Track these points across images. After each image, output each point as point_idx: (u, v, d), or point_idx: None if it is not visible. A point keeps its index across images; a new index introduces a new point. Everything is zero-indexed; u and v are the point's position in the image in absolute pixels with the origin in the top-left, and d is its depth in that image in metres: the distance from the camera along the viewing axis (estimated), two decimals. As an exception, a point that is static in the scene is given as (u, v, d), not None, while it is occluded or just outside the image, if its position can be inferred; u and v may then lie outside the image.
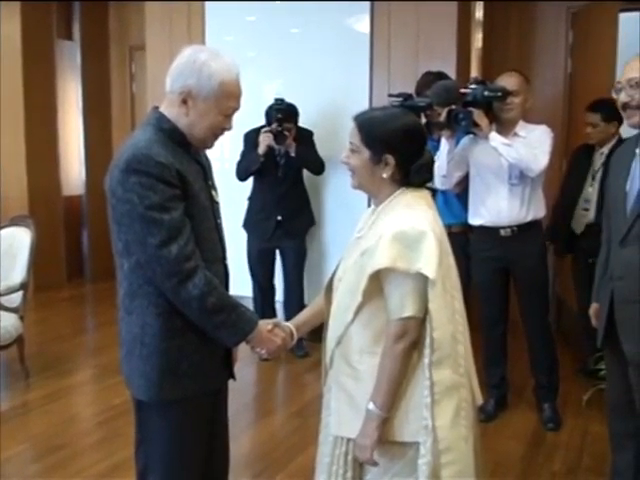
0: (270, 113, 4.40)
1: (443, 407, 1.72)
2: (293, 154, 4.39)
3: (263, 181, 4.53)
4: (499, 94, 3.29)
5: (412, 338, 1.72)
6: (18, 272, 4.11)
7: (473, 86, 3.33)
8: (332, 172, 4.61)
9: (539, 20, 5.09)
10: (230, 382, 2.09)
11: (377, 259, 1.69)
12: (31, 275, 4.20)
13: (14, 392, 4.08)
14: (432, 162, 1.86)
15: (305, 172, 4.64)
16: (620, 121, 3.65)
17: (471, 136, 3.43)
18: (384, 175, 1.78)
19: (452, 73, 4.19)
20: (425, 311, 1.71)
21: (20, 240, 4.22)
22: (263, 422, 3.75)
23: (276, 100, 4.39)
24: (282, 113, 4.32)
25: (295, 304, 4.55)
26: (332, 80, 4.78)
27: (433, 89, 3.35)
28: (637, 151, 2.29)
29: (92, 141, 7.11)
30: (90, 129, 7.10)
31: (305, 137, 4.52)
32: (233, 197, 4.63)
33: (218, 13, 5.23)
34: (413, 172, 1.79)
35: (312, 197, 4.74)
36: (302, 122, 4.55)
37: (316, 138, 4.58)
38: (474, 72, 4.89)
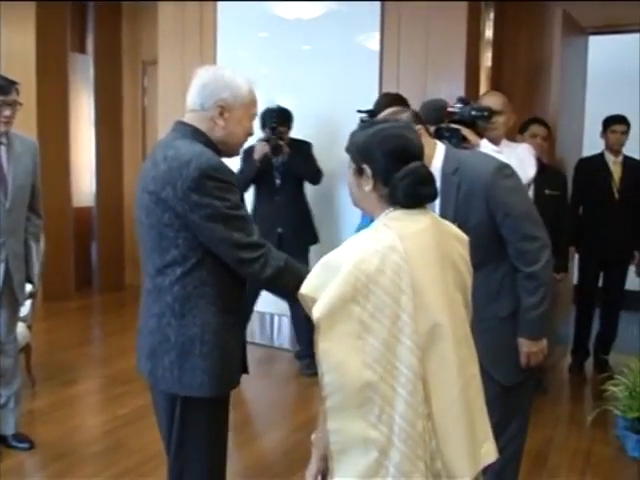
0: (265, 118, 4.45)
1: (343, 464, 1.53)
2: (286, 159, 4.41)
3: (262, 192, 4.59)
4: (485, 114, 3.35)
5: None
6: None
7: (459, 105, 3.39)
8: (340, 189, 4.63)
9: (547, 39, 5.12)
10: (234, 395, 2.13)
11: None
12: (40, 285, 4.23)
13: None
14: (425, 177, 1.66)
15: (309, 189, 4.68)
16: None
17: None
18: (366, 188, 1.67)
19: (461, 91, 4.22)
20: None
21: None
22: (265, 436, 3.76)
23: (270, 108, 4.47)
24: (276, 121, 4.39)
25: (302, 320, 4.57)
26: (342, 96, 4.81)
27: (423, 107, 3.44)
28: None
29: (103, 153, 7.19)
30: (102, 141, 7.17)
31: (303, 149, 4.56)
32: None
33: (230, 29, 5.29)
34: (393, 186, 1.63)
35: (318, 215, 4.77)
36: (313, 139, 4.59)
37: (327, 155, 4.60)
38: (483, 90, 4.92)
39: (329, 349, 1.52)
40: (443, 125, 3.34)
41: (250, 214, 1.99)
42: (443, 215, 2.22)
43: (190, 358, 1.94)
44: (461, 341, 1.65)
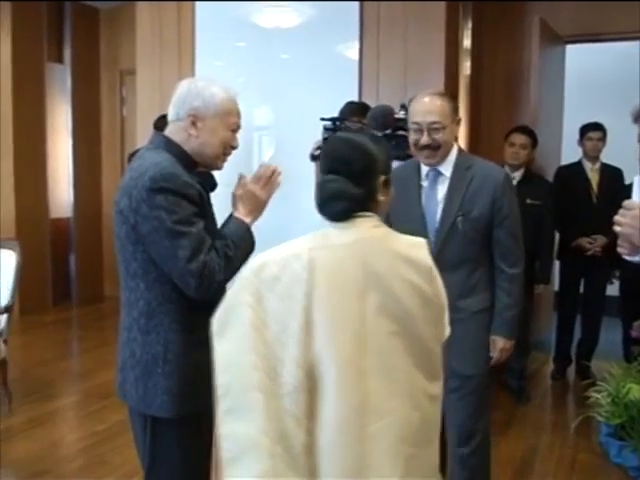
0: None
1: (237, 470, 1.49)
2: None
3: None
4: None
5: None
6: (3, 295, 4.07)
7: (403, 112, 3.31)
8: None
9: (525, 47, 5.15)
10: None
11: None
12: (16, 298, 4.16)
13: (-4, 417, 4.02)
14: (331, 194, 1.54)
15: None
16: None
17: None
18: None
19: (440, 100, 4.22)
20: None
21: (6, 263, 4.18)
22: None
23: None
24: None
25: None
26: (321, 106, 4.77)
27: (371, 113, 3.47)
28: (424, 184, 2.58)
29: (81, 164, 7.11)
30: (79, 152, 7.10)
31: None
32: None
33: (208, 38, 5.25)
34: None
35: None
36: (291, 148, 4.56)
37: (305, 164, 4.57)
38: (462, 99, 4.93)
39: (223, 351, 1.52)
40: (388, 132, 3.32)
41: (203, 230, 1.84)
42: (448, 203, 2.49)
43: (153, 377, 1.88)
44: (372, 372, 1.49)
